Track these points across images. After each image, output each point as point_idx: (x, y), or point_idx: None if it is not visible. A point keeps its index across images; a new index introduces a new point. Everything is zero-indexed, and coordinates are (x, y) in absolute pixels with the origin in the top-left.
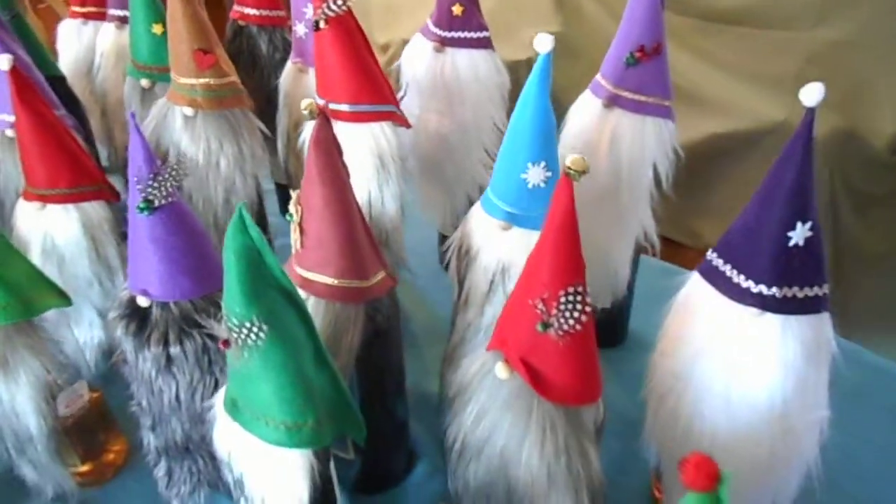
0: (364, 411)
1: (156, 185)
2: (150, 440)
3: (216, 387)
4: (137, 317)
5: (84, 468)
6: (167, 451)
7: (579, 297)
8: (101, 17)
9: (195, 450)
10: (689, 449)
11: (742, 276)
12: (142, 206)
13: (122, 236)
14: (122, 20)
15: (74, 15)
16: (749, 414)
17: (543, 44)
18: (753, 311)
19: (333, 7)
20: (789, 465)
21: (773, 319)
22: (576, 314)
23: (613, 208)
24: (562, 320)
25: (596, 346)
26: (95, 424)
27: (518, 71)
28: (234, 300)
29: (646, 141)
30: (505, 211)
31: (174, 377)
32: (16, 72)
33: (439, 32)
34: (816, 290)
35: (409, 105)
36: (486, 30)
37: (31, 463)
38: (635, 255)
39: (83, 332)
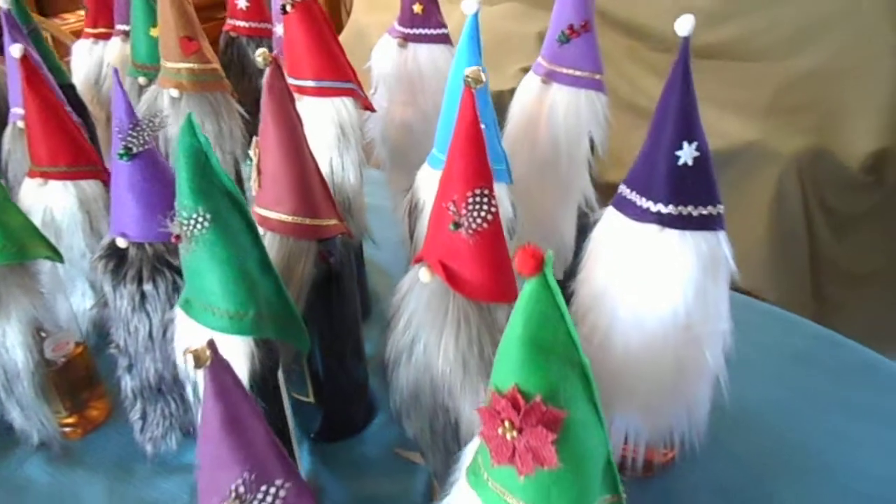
0: (323, 362)
1: (135, 134)
2: (126, 382)
3: None
4: (116, 257)
5: (68, 420)
6: (142, 392)
7: (486, 199)
8: (111, 36)
9: (167, 391)
10: (607, 361)
11: (644, 199)
12: (122, 152)
13: None
14: (127, 34)
15: (87, 35)
16: (656, 325)
17: (470, 6)
18: (654, 228)
19: None
20: (696, 373)
21: (671, 235)
22: (482, 213)
23: (555, 176)
24: (470, 219)
25: (506, 250)
26: (80, 377)
27: (503, 98)
28: (183, 195)
29: (581, 111)
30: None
31: (147, 315)
32: (25, 60)
33: (402, 30)
34: (710, 210)
35: (379, 99)
36: (445, 27)
37: (19, 404)
38: (579, 222)
39: (76, 301)
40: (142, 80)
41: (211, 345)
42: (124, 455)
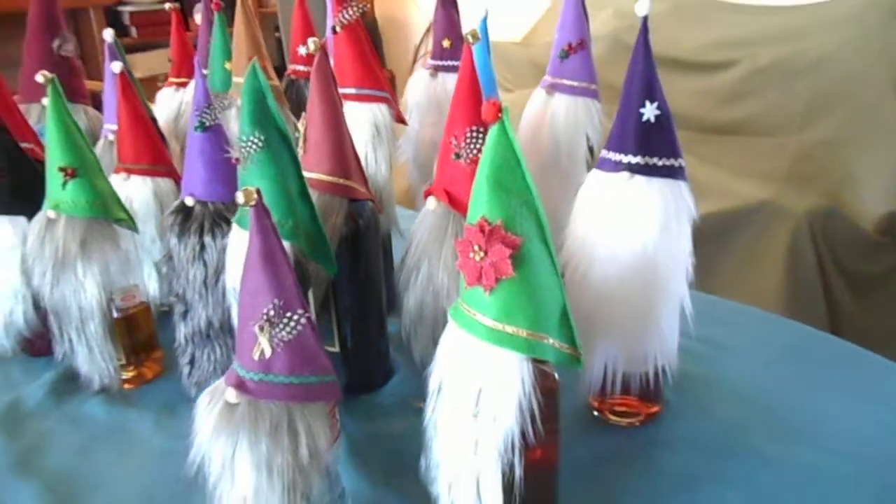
0: (348, 314)
1: (207, 111)
2: (180, 329)
3: None
4: (183, 214)
5: (125, 374)
6: (193, 338)
7: (480, 135)
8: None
9: (215, 337)
10: (587, 295)
11: (617, 154)
12: (197, 125)
13: None
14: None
15: (170, 84)
16: (627, 258)
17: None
18: (625, 175)
19: (347, 16)
20: (664, 301)
21: (640, 181)
22: (478, 145)
23: (556, 172)
24: (468, 150)
25: None
26: (141, 331)
27: None
28: (244, 123)
29: (578, 116)
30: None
31: (205, 264)
32: (123, 75)
33: (433, 62)
34: (672, 162)
35: (413, 123)
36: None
37: (87, 345)
38: None
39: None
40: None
41: (257, 191)
42: (172, 399)
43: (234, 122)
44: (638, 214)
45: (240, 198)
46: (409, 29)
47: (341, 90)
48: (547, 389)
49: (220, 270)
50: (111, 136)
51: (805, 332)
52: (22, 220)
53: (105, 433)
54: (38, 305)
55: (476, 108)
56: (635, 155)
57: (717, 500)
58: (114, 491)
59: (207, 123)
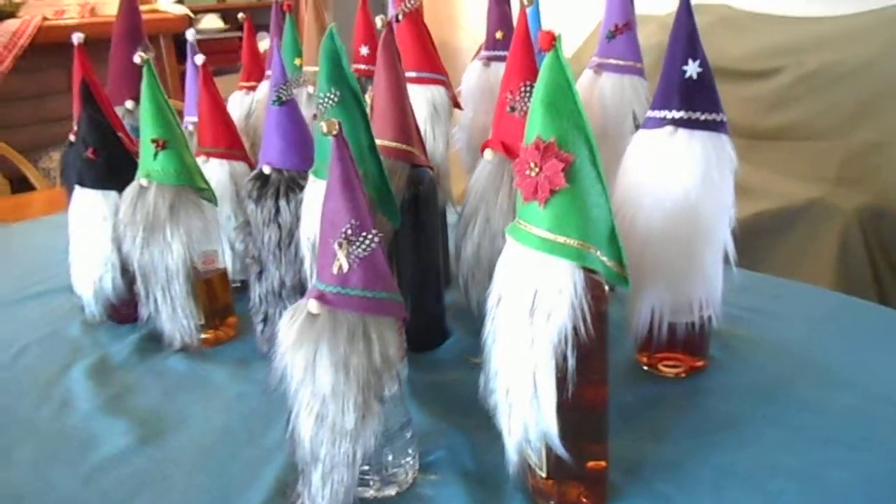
0: (408, 273)
1: (284, 87)
2: (255, 290)
3: None
4: (261, 180)
5: (203, 335)
6: (266, 297)
7: (533, 89)
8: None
9: (286, 296)
10: (634, 241)
11: (662, 111)
12: (274, 99)
13: None
14: None
15: (241, 87)
16: (672, 207)
17: None
18: (669, 129)
19: (408, 5)
20: (707, 246)
21: (682, 134)
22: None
23: (604, 150)
24: (521, 104)
25: None
26: (218, 295)
27: None
28: (321, 80)
29: (625, 94)
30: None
31: (279, 226)
32: (205, 67)
33: (487, 53)
34: (714, 116)
35: (467, 112)
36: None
37: (171, 303)
38: None
39: None
40: None
41: (339, 122)
42: (246, 356)
43: (304, 108)
44: (682, 165)
45: (324, 127)
46: (458, 52)
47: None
48: (596, 296)
49: (293, 232)
50: (191, 128)
51: (848, 299)
52: (113, 194)
53: (186, 381)
54: (125, 273)
55: (529, 66)
56: (679, 110)
57: (760, 438)
58: (196, 426)
59: (284, 98)
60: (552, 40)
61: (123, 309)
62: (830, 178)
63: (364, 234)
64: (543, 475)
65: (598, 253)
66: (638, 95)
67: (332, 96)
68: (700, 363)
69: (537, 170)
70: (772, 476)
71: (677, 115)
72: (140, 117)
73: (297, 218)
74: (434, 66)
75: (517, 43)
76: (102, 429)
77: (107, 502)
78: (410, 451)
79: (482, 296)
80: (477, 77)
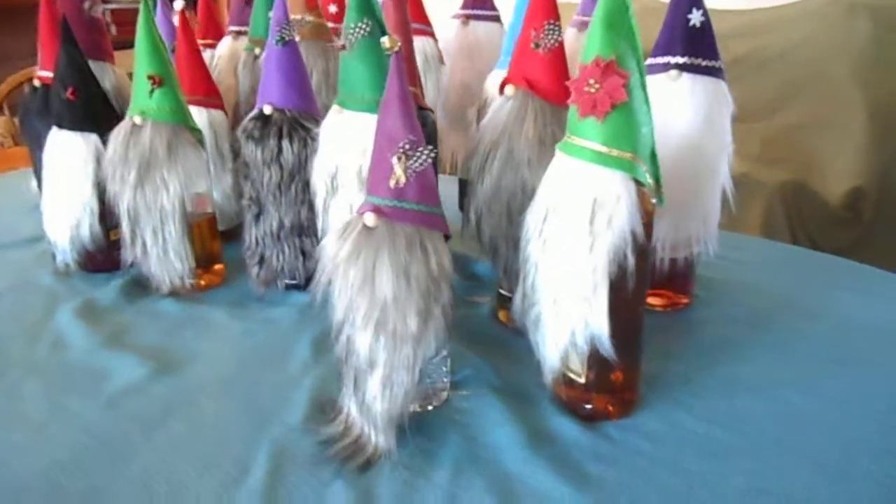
0: None
1: (287, 28)
2: (251, 232)
3: (307, 183)
4: (262, 121)
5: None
6: (264, 239)
7: (556, 28)
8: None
9: (285, 238)
10: None
11: (666, 56)
12: (277, 39)
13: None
14: (238, 34)
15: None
16: (677, 146)
17: None
18: (673, 73)
19: None
20: (708, 184)
21: (686, 78)
22: (555, 36)
23: None
24: (545, 41)
25: (567, 65)
26: (209, 237)
27: None
28: (351, 11)
29: None
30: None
31: (281, 167)
32: (183, 14)
33: (465, 11)
34: (713, 63)
35: (443, 69)
36: (496, 9)
37: (162, 247)
38: None
39: None
40: (258, 50)
41: (395, 41)
42: (239, 298)
43: None
44: (686, 108)
45: (385, 43)
46: None
47: None
48: (646, 208)
49: (293, 173)
50: None
51: (794, 248)
52: (93, 136)
53: (184, 321)
54: (102, 219)
55: (551, 7)
56: (683, 56)
57: (757, 357)
58: (209, 358)
59: (286, 38)
60: None
61: (99, 256)
62: (755, 156)
63: (420, 149)
64: (582, 381)
65: (644, 168)
66: None
67: (363, 26)
68: (685, 300)
69: (597, 86)
70: (775, 386)
71: (681, 60)
72: (135, 54)
73: (299, 158)
74: (423, 19)
75: None
76: (110, 363)
77: (137, 425)
78: (444, 369)
79: (497, 228)
80: (455, 36)
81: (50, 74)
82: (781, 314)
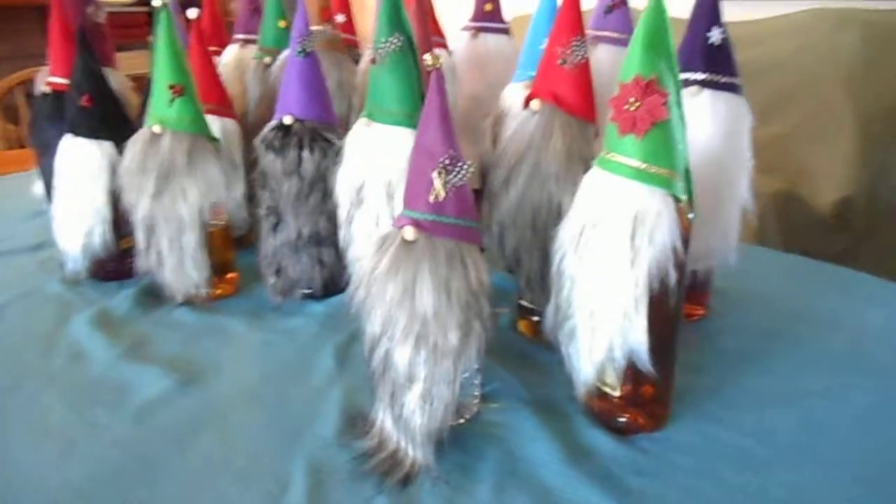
0: None
1: (308, 39)
2: (269, 242)
3: (325, 194)
4: (282, 131)
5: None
6: (282, 248)
7: (583, 44)
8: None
9: (303, 247)
10: None
11: (685, 73)
12: (299, 50)
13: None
14: (245, 42)
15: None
16: (698, 158)
17: None
18: (694, 89)
19: None
20: (729, 200)
21: (706, 94)
22: (581, 52)
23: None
24: (572, 57)
25: (592, 83)
26: (224, 246)
27: None
28: (382, 25)
29: (617, 64)
30: (529, 75)
31: (300, 177)
32: (197, 23)
33: (474, 24)
34: (732, 79)
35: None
36: (506, 22)
37: (178, 257)
38: None
39: None
40: (267, 59)
41: (440, 55)
42: (256, 308)
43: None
44: (707, 123)
45: (428, 60)
46: None
47: None
48: (683, 223)
49: (313, 184)
50: None
51: (797, 258)
52: (108, 144)
53: (202, 331)
54: (115, 227)
55: (577, 23)
56: (703, 72)
57: (779, 367)
58: (233, 371)
59: (308, 50)
60: None
61: (110, 265)
62: None
63: (460, 164)
64: (616, 394)
65: (680, 184)
66: None
67: (394, 41)
68: (700, 311)
69: (637, 104)
70: (800, 397)
71: (701, 76)
72: (154, 63)
73: (318, 168)
74: (438, 31)
75: (567, 3)
76: (132, 375)
77: (168, 439)
78: (476, 382)
79: (521, 240)
80: (464, 48)
81: (61, 80)
82: (797, 325)
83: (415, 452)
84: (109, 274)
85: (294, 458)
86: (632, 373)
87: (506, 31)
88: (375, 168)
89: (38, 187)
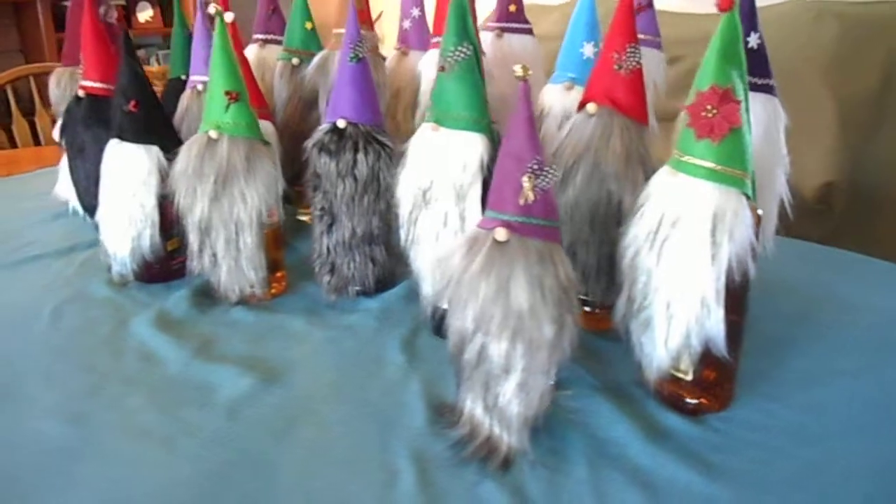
0: None
1: (360, 45)
2: (323, 242)
3: (378, 194)
4: (336, 134)
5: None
6: (335, 248)
7: (637, 51)
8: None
9: (356, 246)
10: None
11: None
12: (351, 56)
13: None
14: (264, 42)
15: None
16: None
17: None
18: None
19: None
20: (769, 193)
21: None
22: (635, 58)
23: None
24: (627, 63)
25: (644, 84)
26: (276, 245)
27: None
28: (451, 34)
29: (647, 65)
30: (568, 76)
31: (355, 178)
32: (233, 26)
33: (499, 24)
34: (768, 81)
35: None
36: (529, 23)
37: (234, 258)
38: None
39: None
40: (295, 60)
41: (526, 68)
42: (310, 306)
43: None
44: None
45: (518, 71)
46: None
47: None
48: (755, 219)
49: (367, 185)
50: (200, 87)
51: (815, 246)
52: (155, 148)
53: (265, 330)
54: (162, 229)
55: (632, 30)
56: None
57: (814, 349)
58: (305, 368)
59: (360, 55)
60: (731, 4)
61: (156, 267)
62: None
63: (546, 168)
64: (689, 378)
65: (749, 184)
66: (658, 66)
67: (464, 50)
68: None
69: (714, 112)
70: (837, 376)
71: None
72: (210, 69)
73: (372, 170)
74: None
75: (622, 11)
76: (210, 375)
77: (263, 434)
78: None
79: (577, 236)
80: (489, 47)
81: (95, 84)
82: (824, 309)
83: (510, 438)
84: (155, 276)
85: (393, 447)
86: (704, 357)
87: (530, 32)
88: (444, 170)
89: (61, 189)
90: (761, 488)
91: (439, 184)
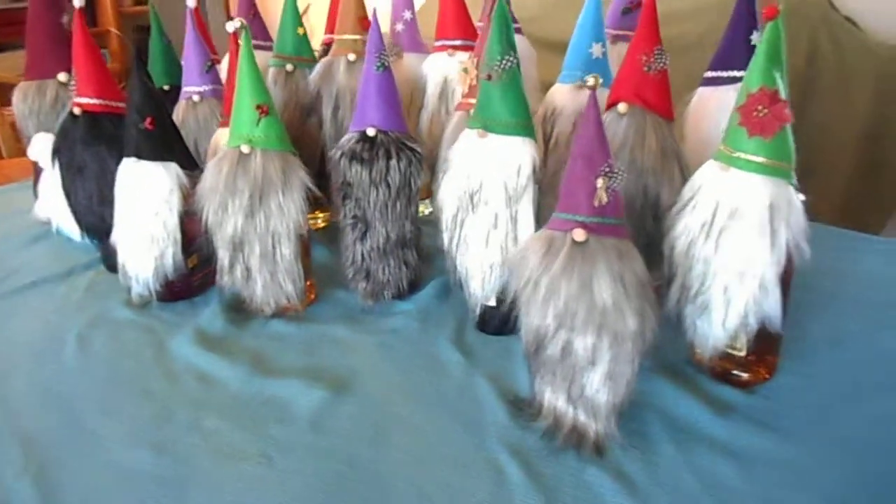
0: None
1: (385, 54)
2: (357, 250)
3: (409, 199)
4: (366, 142)
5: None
6: (370, 254)
7: (664, 54)
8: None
9: (390, 252)
10: None
11: (729, 71)
12: (377, 65)
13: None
14: (261, 48)
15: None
16: None
17: None
18: (737, 86)
19: None
20: None
21: None
22: (663, 60)
23: None
24: (655, 64)
25: (669, 83)
26: (304, 256)
27: None
28: (497, 43)
29: None
30: (578, 75)
31: (388, 185)
32: (235, 35)
33: None
34: None
35: None
36: (518, 22)
37: (269, 271)
38: None
39: None
40: (289, 66)
41: (597, 77)
42: (346, 313)
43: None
44: None
45: (590, 81)
46: None
47: (453, 42)
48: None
49: (399, 191)
50: (196, 98)
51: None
52: (173, 165)
53: (312, 341)
54: (185, 247)
55: (657, 34)
56: (742, 70)
57: (816, 317)
58: (368, 375)
59: (386, 64)
60: (776, 12)
61: (176, 285)
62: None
63: (617, 170)
64: (742, 354)
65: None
66: None
67: (510, 59)
68: None
69: (765, 111)
70: (847, 337)
71: (740, 74)
72: (238, 83)
73: (404, 176)
74: (475, 35)
75: (647, 15)
76: (277, 390)
77: (357, 442)
78: None
79: None
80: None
81: (92, 101)
82: (822, 279)
83: (597, 425)
84: (177, 294)
85: (489, 443)
86: (758, 334)
87: (518, 31)
88: (495, 174)
89: (41, 208)
90: (830, 445)
91: (489, 187)
